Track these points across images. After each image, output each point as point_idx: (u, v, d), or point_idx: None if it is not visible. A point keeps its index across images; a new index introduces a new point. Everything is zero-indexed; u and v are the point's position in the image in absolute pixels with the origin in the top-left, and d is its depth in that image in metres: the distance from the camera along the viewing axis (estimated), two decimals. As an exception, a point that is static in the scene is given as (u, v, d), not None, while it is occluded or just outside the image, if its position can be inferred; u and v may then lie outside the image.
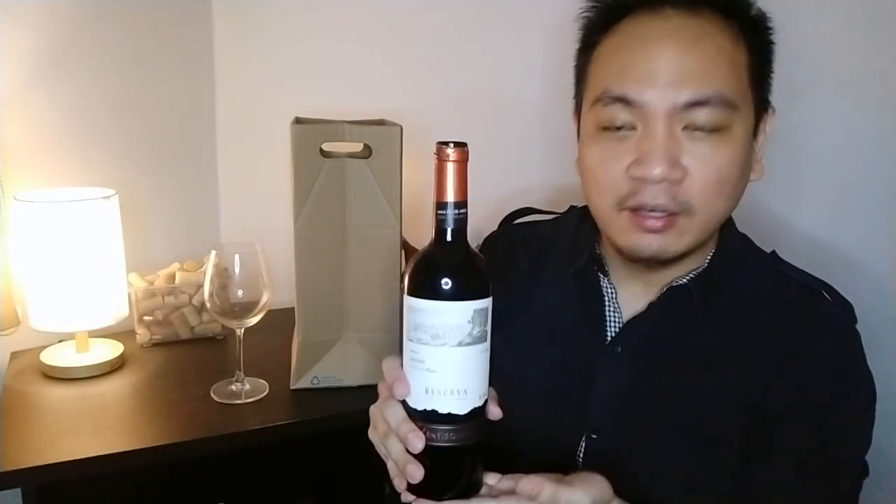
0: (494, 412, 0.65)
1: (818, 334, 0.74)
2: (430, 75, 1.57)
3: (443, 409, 0.61)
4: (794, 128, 1.02)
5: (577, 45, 0.80)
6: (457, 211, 0.61)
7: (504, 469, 0.65)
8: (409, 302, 0.62)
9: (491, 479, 0.65)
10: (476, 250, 0.65)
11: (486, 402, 0.64)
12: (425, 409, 0.62)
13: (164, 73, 1.41)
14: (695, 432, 0.75)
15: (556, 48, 1.52)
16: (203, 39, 1.44)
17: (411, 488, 0.63)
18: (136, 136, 1.39)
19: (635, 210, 0.72)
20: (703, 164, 0.70)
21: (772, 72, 0.76)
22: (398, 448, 0.64)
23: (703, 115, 0.69)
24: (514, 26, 1.57)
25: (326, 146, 1.09)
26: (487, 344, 0.62)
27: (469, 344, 0.61)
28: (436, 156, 0.61)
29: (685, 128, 0.70)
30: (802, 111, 1.03)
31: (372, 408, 0.70)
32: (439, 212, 0.62)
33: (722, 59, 0.70)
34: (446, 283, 0.60)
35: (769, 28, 0.75)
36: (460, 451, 0.62)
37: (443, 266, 0.61)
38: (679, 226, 0.72)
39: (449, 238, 0.62)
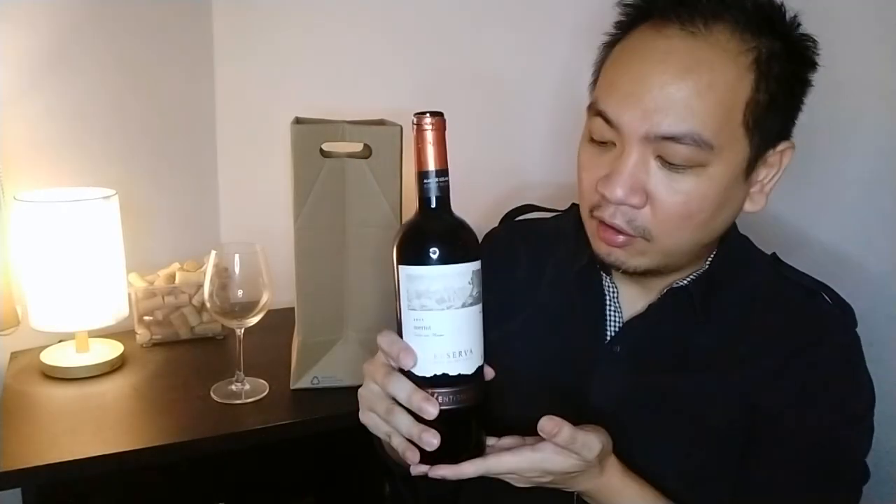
0: (488, 373, 0.67)
1: (818, 337, 0.74)
2: (430, 75, 1.57)
3: (453, 372, 0.63)
4: (796, 130, 1.02)
5: (605, 37, 0.77)
6: (439, 178, 0.64)
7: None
8: (410, 271, 0.63)
9: (490, 440, 0.68)
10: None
11: (483, 362, 0.66)
12: (434, 375, 0.64)
13: (164, 73, 1.41)
14: (694, 434, 0.75)
15: (558, 47, 1.53)
16: (203, 39, 1.44)
17: (425, 458, 0.64)
18: (136, 136, 1.39)
19: (602, 221, 0.73)
20: (668, 196, 0.69)
21: (801, 103, 0.73)
22: (407, 420, 0.64)
23: (674, 151, 0.67)
24: (516, 26, 1.57)
25: (326, 146, 1.09)
26: (482, 304, 0.65)
27: (471, 304, 0.63)
28: (415, 126, 0.64)
29: (658, 156, 0.68)
30: (805, 114, 1.03)
31: (361, 391, 0.69)
32: (424, 181, 0.64)
33: (711, 94, 0.66)
34: (447, 248, 0.63)
35: (809, 54, 0.71)
36: (469, 411, 0.65)
37: (440, 231, 0.64)
38: (637, 246, 0.72)
39: (435, 205, 0.64)
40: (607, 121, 0.70)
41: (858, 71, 1.00)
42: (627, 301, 0.81)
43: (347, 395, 1.16)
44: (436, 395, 0.63)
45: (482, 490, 0.74)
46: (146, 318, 1.33)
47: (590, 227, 0.76)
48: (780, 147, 0.72)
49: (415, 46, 1.55)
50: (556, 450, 0.64)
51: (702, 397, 0.75)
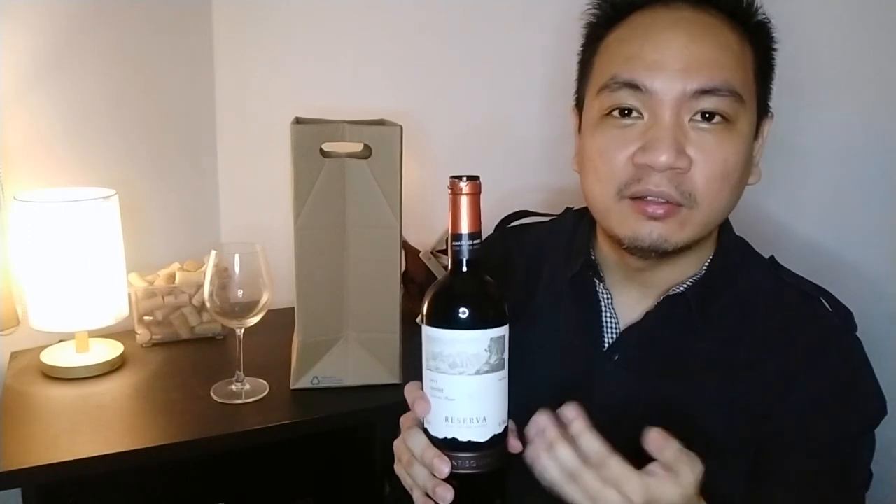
0: (514, 445, 0.66)
1: (819, 347, 0.73)
2: (429, 76, 1.57)
3: (463, 437, 0.63)
4: (793, 129, 1.02)
5: (581, 41, 0.80)
6: (471, 242, 0.63)
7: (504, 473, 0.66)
8: (427, 332, 0.64)
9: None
10: (491, 279, 0.66)
11: (506, 428, 0.65)
12: (446, 438, 0.64)
13: (164, 73, 1.41)
14: (695, 441, 0.74)
15: (556, 48, 1.52)
16: (203, 39, 1.44)
17: None
18: (136, 137, 1.39)
19: (636, 198, 0.71)
20: (709, 155, 0.69)
21: (773, 78, 0.77)
22: (423, 473, 0.65)
23: (711, 104, 0.69)
24: (514, 27, 1.57)
25: (326, 146, 1.09)
26: (505, 371, 0.64)
27: (487, 372, 0.62)
28: (449, 189, 0.63)
29: (692, 119, 0.70)
30: (801, 113, 1.03)
31: (395, 442, 0.71)
32: (454, 243, 0.64)
33: (730, 52, 0.70)
34: (463, 313, 0.62)
35: (771, 35, 0.76)
36: (482, 477, 0.64)
37: (459, 296, 0.63)
38: (681, 216, 0.71)
39: (464, 268, 0.64)
40: (637, 90, 0.70)
41: (856, 72, 1.00)
42: (623, 308, 0.80)
43: (347, 395, 1.17)
44: (448, 457, 0.64)
45: None
46: (146, 318, 1.33)
47: (620, 210, 0.73)
48: (767, 117, 0.77)
49: (415, 46, 1.55)
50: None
51: (702, 405, 0.74)
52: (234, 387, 1.15)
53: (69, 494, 1.20)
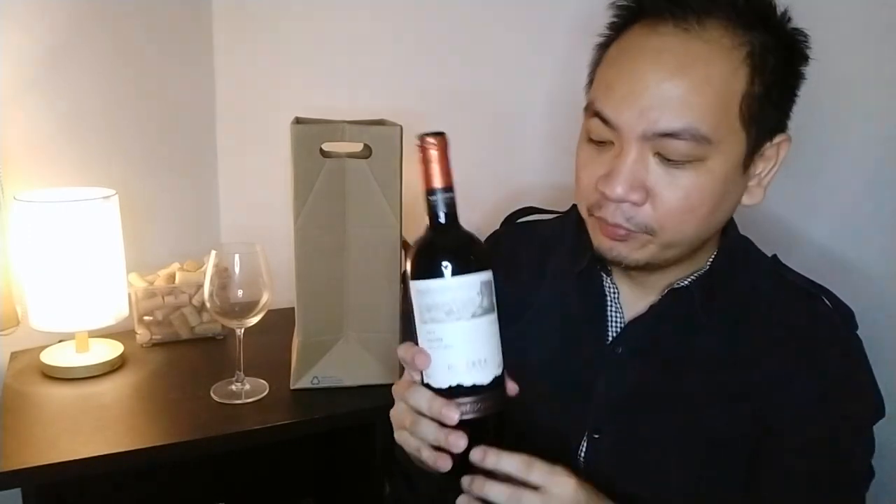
0: (511, 387, 0.67)
1: (819, 345, 0.74)
2: (430, 75, 1.57)
3: (467, 382, 0.64)
4: (795, 129, 1.02)
5: (586, 39, 0.79)
6: (446, 195, 0.65)
7: None
8: (418, 286, 0.65)
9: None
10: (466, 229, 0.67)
11: (503, 371, 0.67)
12: (450, 386, 0.65)
13: (164, 73, 1.41)
14: (695, 435, 0.75)
15: (558, 49, 1.53)
16: (203, 39, 1.44)
17: (451, 472, 0.65)
18: (136, 137, 1.39)
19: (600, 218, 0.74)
20: (669, 191, 0.69)
21: (795, 96, 0.73)
22: (432, 427, 0.65)
23: (672, 147, 0.68)
24: (516, 27, 1.57)
25: (326, 146, 1.09)
26: (496, 315, 0.66)
27: (481, 315, 0.64)
28: (419, 147, 0.65)
29: (657, 153, 0.69)
30: (802, 113, 1.03)
31: (391, 412, 0.71)
32: (430, 198, 0.65)
33: (707, 88, 0.67)
34: (453, 261, 0.64)
35: (801, 47, 0.71)
36: (489, 420, 0.65)
37: (446, 246, 0.65)
38: (639, 240, 0.72)
39: (443, 220, 0.65)
40: (605, 121, 0.70)
41: (855, 68, 1.00)
42: (628, 302, 0.81)
43: (347, 395, 1.17)
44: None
45: None
46: (146, 318, 1.33)
47: (590, 224, 0.77)
48: (777, 140, 0.73)
49: (414, 46, 1.55)
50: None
51: (703, 399, 0.75)
52: (234, 387, 1.15)
53: (69, 494, 1.20)
